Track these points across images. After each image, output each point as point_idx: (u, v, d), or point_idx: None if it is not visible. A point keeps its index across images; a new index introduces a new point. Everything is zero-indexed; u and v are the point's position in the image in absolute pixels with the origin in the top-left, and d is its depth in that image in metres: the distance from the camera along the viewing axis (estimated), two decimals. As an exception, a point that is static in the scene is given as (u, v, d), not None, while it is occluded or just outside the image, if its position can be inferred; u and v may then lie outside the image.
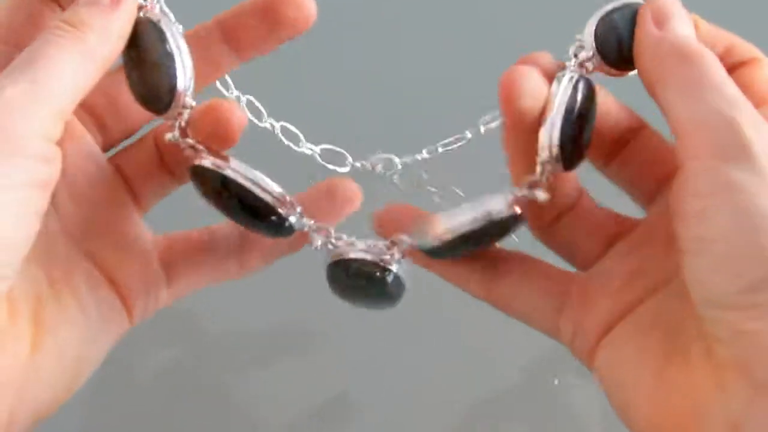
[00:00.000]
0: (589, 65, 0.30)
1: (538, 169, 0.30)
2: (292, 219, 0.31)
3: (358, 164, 0.47)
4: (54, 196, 0.29)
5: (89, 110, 0.32)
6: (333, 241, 0.33)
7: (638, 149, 0.32)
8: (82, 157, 0.32)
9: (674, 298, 0.29)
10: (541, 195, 0.30)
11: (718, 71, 0.27)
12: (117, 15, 0.29)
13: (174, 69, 0.30)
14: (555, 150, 0.29)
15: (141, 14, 0.30)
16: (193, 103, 0.31)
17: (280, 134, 0.44)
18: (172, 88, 0.30)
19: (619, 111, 0.32)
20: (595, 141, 0.31)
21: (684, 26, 0.29)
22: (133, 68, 0.30)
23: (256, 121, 0.42)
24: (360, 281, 0.32)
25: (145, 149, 0.33)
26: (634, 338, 0.29)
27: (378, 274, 0.32)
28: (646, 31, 0.29)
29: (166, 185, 0.34)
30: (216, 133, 0.30)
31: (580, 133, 0.29)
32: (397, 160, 0.47)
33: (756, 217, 0.24)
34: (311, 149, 0.45)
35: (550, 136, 0.29)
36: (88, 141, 0.32)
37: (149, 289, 0.33)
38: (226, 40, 0.32)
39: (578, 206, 0.32)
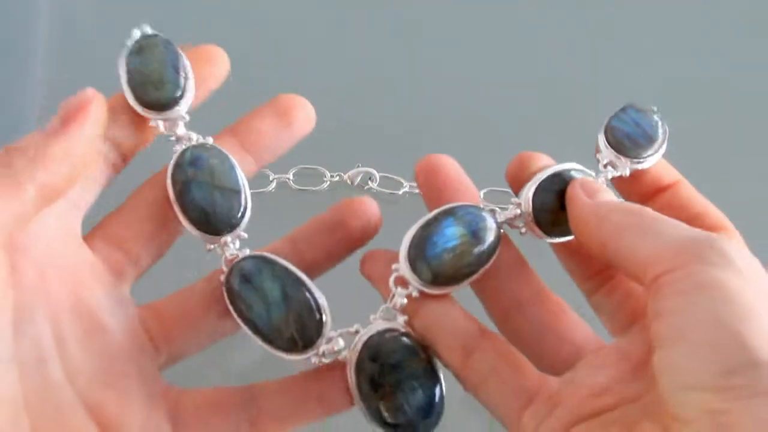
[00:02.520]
0: (520, 224, 0.34)
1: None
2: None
3: (336, 178, 0.47)
4: (63, 342, 0.29)
5: (113, 241, 0.32)
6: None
7: (621, 282, 0.34)
8: (106, 303, 0.31)
9: (639, 411, 0.29)
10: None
11: (663, 216, 0.30)
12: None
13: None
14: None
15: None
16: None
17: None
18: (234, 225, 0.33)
19: None
20: (583, 270, 0.34)
21: (612, 196, 0.32)
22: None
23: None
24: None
25: (195, 294, 0.33)
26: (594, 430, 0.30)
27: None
28: (583, 202, 0.32)
29: (209, 331, 0.33)
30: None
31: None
32: (375, 173, 0.47)
33: (736, 306, 0.25)
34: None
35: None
36: (114, 285, 0.32)
37: None
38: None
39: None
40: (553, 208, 0.33)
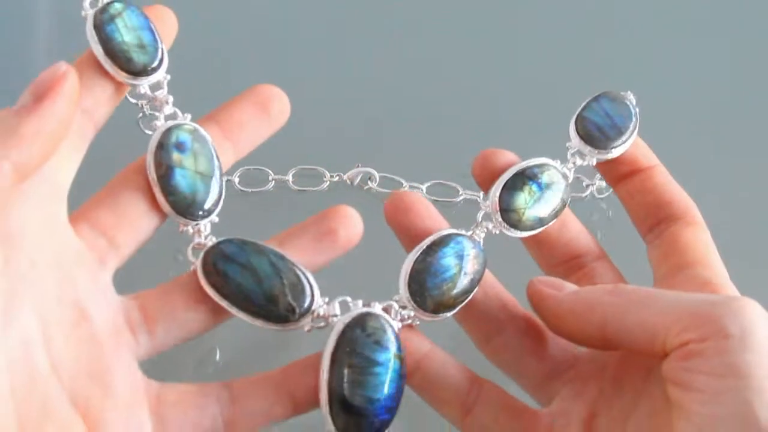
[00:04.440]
0: (490, 225, 0.35)
1: None
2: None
3: (335, 178, 0.47)
4: (49, 334, 0.29)
5: (97, 226, 0.32)
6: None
7: (588, 273, 0.35)
8: (90, 292, 0.31)
9: None
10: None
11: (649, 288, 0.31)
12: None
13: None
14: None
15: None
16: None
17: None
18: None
19: (580, 231, 0.36)
20: (549, 259, 0.36)
21: (574, 287, 0.33)
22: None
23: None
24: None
25: (180, 285, 0.33)
26: None
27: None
28: (558, 297, 0.32)
29: (192, 323, 0.33)
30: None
31: None
32: (375, 173, 0.47)
33: (764, 403, 0.26)
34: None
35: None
36: (97, 272, 0.31)
37: None
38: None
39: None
40: (519, 207, 0.34)
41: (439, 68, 0.52)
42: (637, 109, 0.36)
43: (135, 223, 0.32)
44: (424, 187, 0.46)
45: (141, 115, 0.34)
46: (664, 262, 0.34)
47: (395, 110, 0.49)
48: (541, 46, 0.53)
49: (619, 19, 0.55)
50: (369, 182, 0.47)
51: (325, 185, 0.46)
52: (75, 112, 0.30)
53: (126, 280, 0.33)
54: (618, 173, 0.36)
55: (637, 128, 0.36)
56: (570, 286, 0.33)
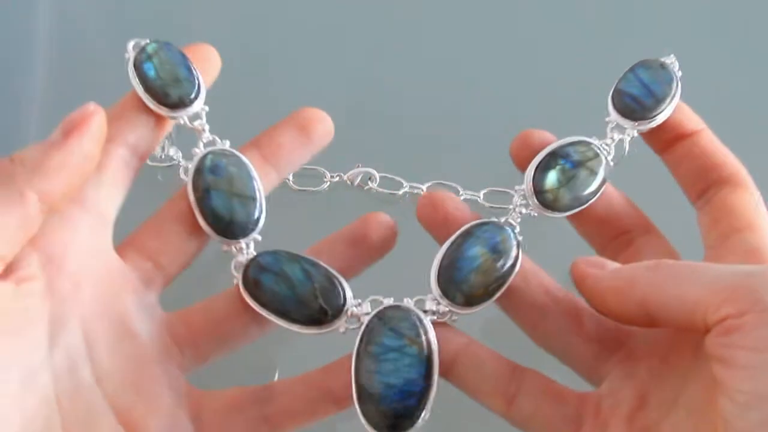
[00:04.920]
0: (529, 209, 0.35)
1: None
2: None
3: (335, 178, 0.47)
4: (94, 348, 0.31)
5: (143, 252, 0.34)
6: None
7: (639, 250, 0.35)
8: (135, 310, 0.33)
9: (684, 419, 0.30)
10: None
11: (687, 261, 0.31)
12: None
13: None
14: None
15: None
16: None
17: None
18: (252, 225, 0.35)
19: (625, 207, 0.36)
20: (600, 237, 0.36)
21: (618, 264, 0.33)
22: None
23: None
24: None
25: (222, 300, 0.34)
26: None
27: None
28: (599, 275, 0.32)
29: (236, 335, 0.34)
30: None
31: None
32: (375, 173, 0.47)
33: None
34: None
35: None
36: (142, 292, 0.34)
37: None
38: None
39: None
40: (552, 187, 0.34)
41: (440, 68, 0.52)
42: (679, 73, 0.35)
43: (178, 246, 0.34)
44: (424, 187, 0.46)
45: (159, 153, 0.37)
46: (714, 228, 0.34)
47: (395, 110, 0.49)
48: (542, 46, 0.53)
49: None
50: (369, 182, 0.47)
51: (325, 185, 0.46)
52: (100, 148, 0.32)
53: (175, 299, 0.35)
54: (663, 140, 0.36)
55: (678, 92, 0.35)
56: (613, 265, 0.33)
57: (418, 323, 0.33)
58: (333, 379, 0.33)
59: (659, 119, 0.35)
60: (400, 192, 0.46)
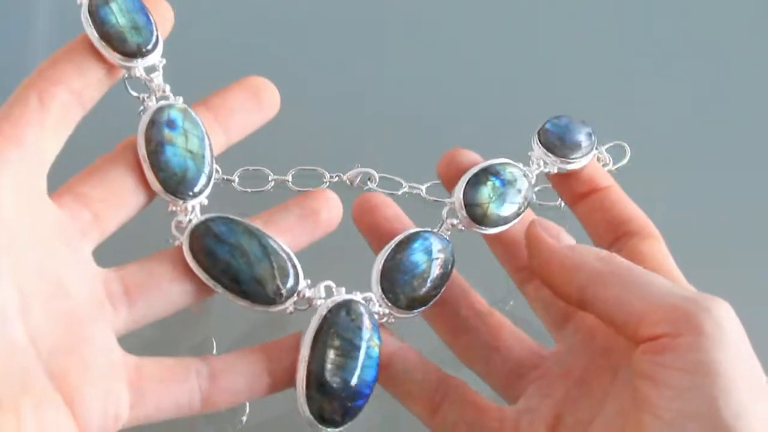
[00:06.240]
0: (456, 221, 0.36)
1: None
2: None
3: (335, 178, 0.47)
4: (27, 306, 0.29)
5: (81, 200, 0.32)
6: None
7: None
8: (70, 264, 0.31)
9: None
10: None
11: (638, 266, 0.31)
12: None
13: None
14: None
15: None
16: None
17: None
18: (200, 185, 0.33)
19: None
20: (514, 260, 0.37)
21: (572, 240, 0.33)
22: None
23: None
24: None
25: (162, 260, 0.33)
26: None
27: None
28: (552, 245, 0.33)
29: (174, 298, 0.33)
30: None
31: None
32: (375, 173, 0.47)
33: (733, 400, 0.27)
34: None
35: None
36: (77, 244, 0.31)
37: (108, 412, 0.30)
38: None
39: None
40: (483, 201, 0.35)
41: (440, 68, 0.52)
42: (594, 136, 0.38)
43: (121, 198, 0.32)
44: (423, 187, 0.46)
45: (142, 108, 0.34)
46: None
47: (395, 110, 0.49)
48: (541, 47, 0.53)
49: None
50: (369, 183, 0.47)
51: (325, 186, 0.46)
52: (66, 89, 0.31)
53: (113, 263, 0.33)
54: (577, 192, 0.37)
55: (595, 148, 0.37)
56: (568, 239, 0.33)
57: (374, 324, 0.33)
58: (275, 360, 0.33)
59: (579, 163, 0.37)
60: (400, 192, 0.47)
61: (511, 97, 0.51)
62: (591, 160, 0.37)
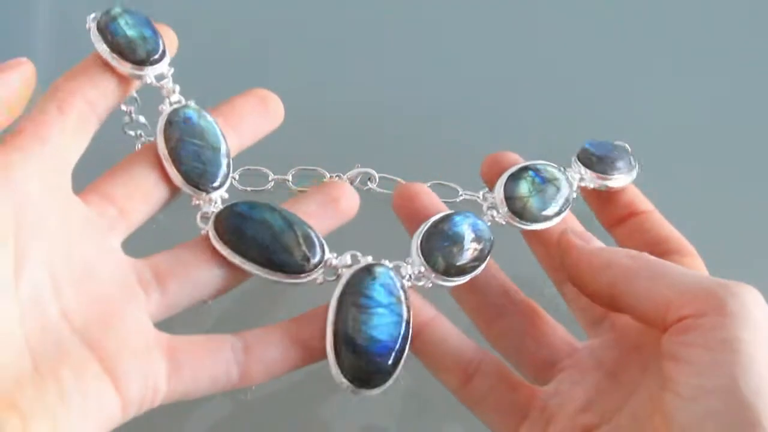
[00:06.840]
0: (498, 214, 0.36)
1: None
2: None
3: (335, 178, 0.47)
4: (58, 286, 0.30)
5: (107, 197, 0.33)
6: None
7: None
8: (98, 253, 0.32)
9: (627, 424, 0.31)
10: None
11: (666, 261, 0.32)
12: None
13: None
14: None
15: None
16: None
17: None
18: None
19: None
20: (553, 258, 0.37)
21: (601, 245, 0.34)
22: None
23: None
24: None
25: (191, 247, 0.34)
26: None
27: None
28: (582, 247, 0.33)
29: (204, 282, 0.34)
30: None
31: None
32: (375, 173, 0.47)
33: (754, 376, 0.27)
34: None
35: None
36: (105, 236, 0.33)
37: (148, 383, 0.31)
38: None
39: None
40: (523, 195, 0.36)
41: (440, 68, 0.52)
42: (635, 160, 0.39)
43: (145, 194, 0.34)
44: (423, 187, 0.46)
45: (127, 120, 0.35)
46: None
47: (395, 110, 0.50)
48: (541, 47, 0.53)
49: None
50: (369, 182, 0.47)
51: (325, 185, 0.46)
52: (29, 92, 0.32)
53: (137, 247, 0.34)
54: (616, 216, 0.38)
55: (636, 168, 0.38)
56: (598, 242, 0.34)
57: (402, 285, 0.33)
58: (307, 330, 0.33)
59: (617, 181, 0.38)
60: (400, 192, 0.47)
61: (511, 98, 0.51)
62: (630, 185, 0.38)
